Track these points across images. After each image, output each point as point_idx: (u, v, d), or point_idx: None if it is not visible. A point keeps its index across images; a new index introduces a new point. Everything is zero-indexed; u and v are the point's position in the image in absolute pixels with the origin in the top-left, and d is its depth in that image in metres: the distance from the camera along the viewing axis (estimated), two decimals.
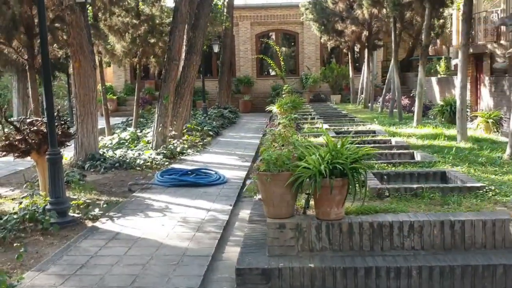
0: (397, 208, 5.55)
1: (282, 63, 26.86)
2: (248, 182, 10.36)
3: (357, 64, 27.73)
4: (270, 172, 5.19)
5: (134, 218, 7.60)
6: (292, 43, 29.88)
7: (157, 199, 8.74)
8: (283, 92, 16.69)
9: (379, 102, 22.05)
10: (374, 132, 12.22)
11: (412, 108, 18.56)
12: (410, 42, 29.46)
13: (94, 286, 5.17)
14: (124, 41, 15.82)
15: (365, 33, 21.36)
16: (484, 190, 6.05)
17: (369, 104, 20.61)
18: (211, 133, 16.93)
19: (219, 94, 25.13)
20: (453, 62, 23.93)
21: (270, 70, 29.78)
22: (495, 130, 12.51)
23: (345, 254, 5.24)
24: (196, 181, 9.81)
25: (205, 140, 15.36)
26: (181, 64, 14.45)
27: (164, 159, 12.10)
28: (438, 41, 26.82)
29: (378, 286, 4.97)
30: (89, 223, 7.38)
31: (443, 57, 25.38)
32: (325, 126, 13.24)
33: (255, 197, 7.48)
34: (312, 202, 5.52)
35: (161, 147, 12.86)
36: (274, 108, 15.38)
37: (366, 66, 21.51)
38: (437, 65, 24.95)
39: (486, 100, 17.71)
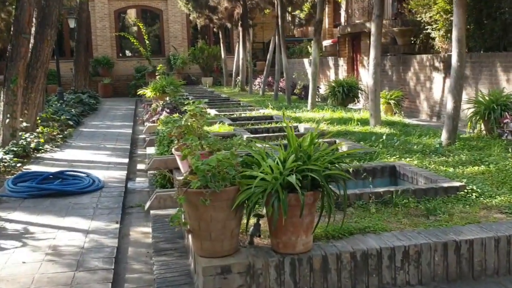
0: (375, 225, 4.00)
1: (147, 42, 24.53)
2: (130, 185, 8.34)
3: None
4: (210, 189, 3.32)
5: None
6: (156, 21, 27.45)
7: (10, 219, 6.34)
8: (157, 73, 14.62)
9: (255, 84, 20.80)
10: (271, 117, 10.73)
11: (295, 91, 17.52)
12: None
13: None
14: None
15: (238, 10, 19.83)
16: (465, 190, 4.75)
17: (247, 87, 19.17)
18: (71, 122, 14.29)
19: (75, 77, 22.06)
20: (325, 43, 23.46)
21: (127, 52, 27.10)
22: (397, 111, 11.72)
23: None
24: (63, 189, 7.50)
25: (65, 132, 12.76)
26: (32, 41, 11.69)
27: (15, 159, 9.45)
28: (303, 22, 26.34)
29: None
30: None
31: (314, 38, 24.85)
32: (213, 111, 11.47)
33: (148, 204, 5.47)
34: (263, 226, 3.77)
35: (10, 143, 10.15)
36: (148, 92, 13.24)
37: (242, 46, 20.00)
38: (308, 47, 24.38)
39: (365, 80, 17.17)
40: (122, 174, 8.78)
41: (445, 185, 4.80)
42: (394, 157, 6.17)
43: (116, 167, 9.34)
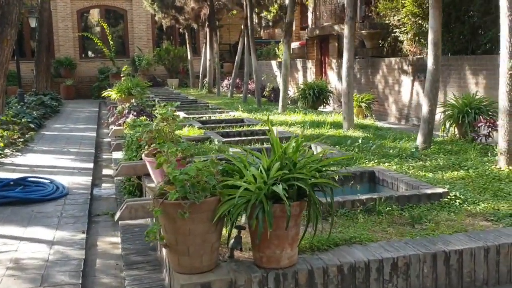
0: (361, 235, 3.82)
1: (111, 42, 24.00)
2: (96, 191, 7.99)
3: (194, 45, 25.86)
4: (189, 201, 3.07)
5: None
6: (120, 22, 26.88)
7: None
8: (122, 75, 14.23)
9: (223, 86, 20.55)
10: (242, 120, 10.50)
11: (264, 93, 17.36)
12: (242, 25, 28.58)
13: None
14: None
15: (205, 11, 19.54)
16: (449, 197, 4.63)
17: (215, 89, 18.90)
18: (32, 125, 13.74)
19: (37, 78, 21.36)
20: (292, 45, 23.39)
21: (90, 53, 26.46)
22: (368, 114, 11.65)
23: None
24: (25, 197, 7.09)
25: (26, 136, 12.25)
26: None
27: None
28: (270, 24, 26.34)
29: None
30: None
31: (281, 40, 24.75)
32: (181, 114, 11.17)
33: (118, 213, 5.13)
34: (243, 238, 3.54)
35: None
36: (113, 94, 12.82)
37: (209, 47, 19.71)
38: (276, 49, 24.27)
39: (334, 83, 17.15)
40: (87, 180, 8.41)
41: (428, 191, 4.66)
42: (372, 162, 6.02)
43: (81, 172, 8.96)
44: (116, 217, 4.41)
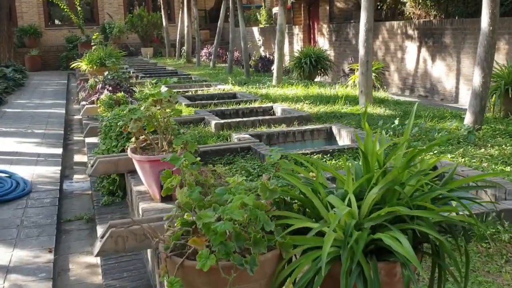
0: (479, 286, 2.49)
1: (79, 9, 22.07)
2: (66, 186, 6.54)
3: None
4: (230, 263, 1.67)
5: None
6: None
7: None
8: (92, 43, 12.58)
9: (201, 55, 18.92)
10: (234, 95, 9.03)
11: (250, 63, 15.83)
12: None
13: None
14: None
15: None
16: None
17: (194, 59, 17.28)
18: None
19: None
20: (274, 10, 21.83)
21: (56, 20, 24.38)
22: (378, 86, 10.27)
23: None
24: None
25: None
26: None
27: None
28: None
29: None
30: None
31: (262, 5, 23.12)
32: (162, 87, 9.63)
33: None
34: None
35: None
36: (83, 65, 11.20)
37: (186, 13, 17.97)
38: (257, 14, 22.66)
39: (326, 51, 15.71)
40: (55, 170, 6.92)
41: None
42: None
43: (47, 160, 7.45)
44: (96, 250, 2.99)
